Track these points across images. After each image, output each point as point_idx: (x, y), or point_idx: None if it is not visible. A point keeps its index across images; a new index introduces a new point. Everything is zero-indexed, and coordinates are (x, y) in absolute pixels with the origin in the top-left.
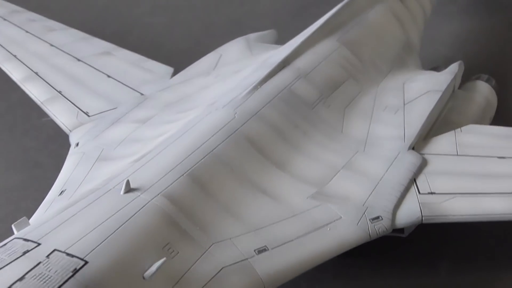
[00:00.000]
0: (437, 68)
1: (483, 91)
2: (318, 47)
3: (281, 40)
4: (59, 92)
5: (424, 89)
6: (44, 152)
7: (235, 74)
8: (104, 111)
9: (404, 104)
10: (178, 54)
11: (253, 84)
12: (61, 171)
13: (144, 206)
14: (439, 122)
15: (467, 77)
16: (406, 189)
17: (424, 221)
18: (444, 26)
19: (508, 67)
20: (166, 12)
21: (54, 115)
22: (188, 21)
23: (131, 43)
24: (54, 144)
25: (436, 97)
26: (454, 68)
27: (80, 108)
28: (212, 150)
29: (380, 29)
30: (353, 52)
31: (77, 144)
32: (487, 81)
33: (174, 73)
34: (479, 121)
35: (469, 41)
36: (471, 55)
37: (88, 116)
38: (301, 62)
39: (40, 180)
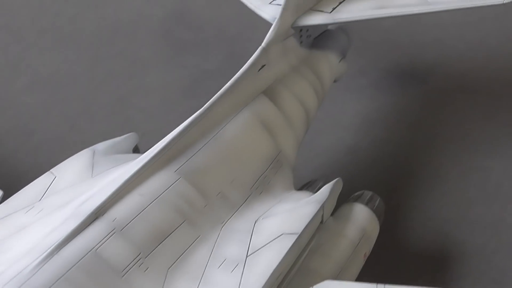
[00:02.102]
0: (314, 182)
1: (361, 219)
2: (148, 184)
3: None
4: None
5: (277, 231)
6: None
7: (59, 210)
8: None
9: (246, 256)
10: (49, 144)
11: (50, 248)
12: None
13: None
14: (295, 272)
15: (358, 187)
16: None
17: None
18: (350, 104)
19: (414, 161)
20: (45, 88)
21: None
22: (67, 100)
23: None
24: None
25: (288, 244)
26: (324, 194)
27: None
28: None
29: (238, 148)
30: (195, 185)
31: None
32: (369, 202)
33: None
34: (348, 264)
35: (378, 123)
36: (377, 143)
37: None
38: (120, 210)
39: None
